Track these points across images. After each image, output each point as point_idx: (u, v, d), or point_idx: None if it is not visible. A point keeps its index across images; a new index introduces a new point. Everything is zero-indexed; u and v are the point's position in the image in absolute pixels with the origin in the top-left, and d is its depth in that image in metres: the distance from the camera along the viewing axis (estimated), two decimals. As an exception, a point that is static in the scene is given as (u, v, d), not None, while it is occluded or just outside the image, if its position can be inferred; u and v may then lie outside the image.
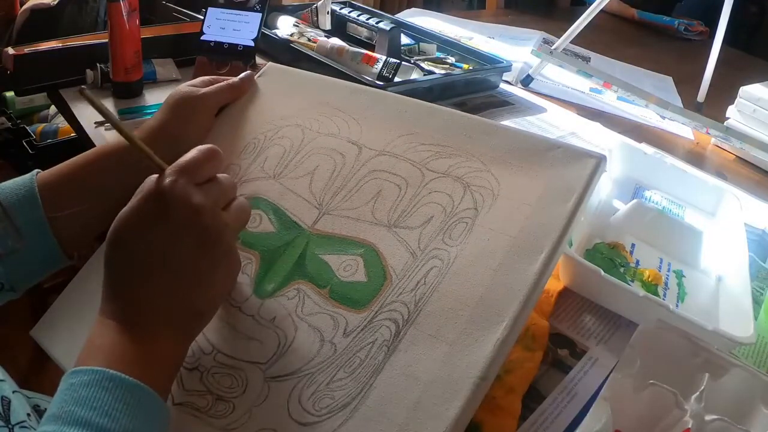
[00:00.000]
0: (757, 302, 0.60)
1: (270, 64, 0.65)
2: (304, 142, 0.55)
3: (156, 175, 0.41)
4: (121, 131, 0.40)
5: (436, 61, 1.07)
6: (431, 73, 1.00)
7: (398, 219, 0.47)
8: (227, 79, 0.60)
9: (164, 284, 0.39)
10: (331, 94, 0.58)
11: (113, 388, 0.34)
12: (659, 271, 0.64)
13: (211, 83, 0.60)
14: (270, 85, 0.62)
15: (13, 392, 0.36)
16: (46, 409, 0.45)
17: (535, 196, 0.45)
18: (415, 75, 0.95)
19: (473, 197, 0.47)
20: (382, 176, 0.50)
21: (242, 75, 0.61)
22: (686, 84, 1.27)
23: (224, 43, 0.88)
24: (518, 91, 1.10)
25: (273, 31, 1.09)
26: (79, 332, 0.50)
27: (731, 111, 1.03)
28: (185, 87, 0.58)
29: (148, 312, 0.39)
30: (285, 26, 1.12)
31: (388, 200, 0.49)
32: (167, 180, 0.40)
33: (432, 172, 0.49)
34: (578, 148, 0.47)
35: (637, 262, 0.65)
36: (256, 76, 0.63)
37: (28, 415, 0.36)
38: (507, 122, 0.95)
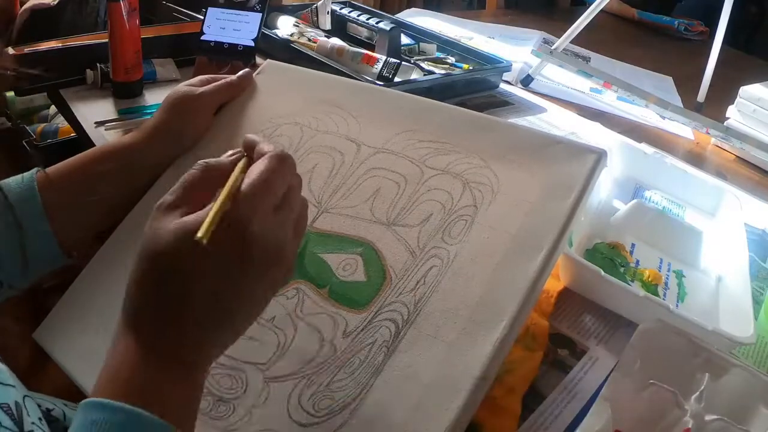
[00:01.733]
0: (757, 302, 0.60)
1: (268, 61, 0.65)
2: (302, 140, 0.55)
3: (237, 203, 0.34)
4: None
5: (436, 61, 1.07)
6: (431, 73, 1.00)
7: (397, 217, 0.47)
8: (226, 78, 0.60)
9: (227, 331, 0.35)
10: (330, 91, 0.58)
11: None
12: (659, 271, 0.64)
13: (209, 82, 0.60)
14: (268, 82, 0.62)
15: (24, 397, 0.35)
16: (47, 409, 0.45)
17: (534, 193, 0.45)
18: (415, 75, 0.95)
19: (472, 194, 0.46)
20: (380, 174, 0.50)
21: (240, 73, 0.61)
22: (686, 84, 1.27)
23: (224, 43, 0.88)
24: (518, 91, 1.10)
25: (273, 31, 1.09)
26: (81, 335, 0.50)
27: (731, 111, 1.03)
28: (183, 86, 0.58)
29: (202, 356, 0.35)
30: (285, 26, 1.12)
31: (387, 198, 0.49)
32: (248, 213, 0.34)
33: (431, 169, 0.49)
34: (579, 144, 0.46)
35: (637, 262, 0.65)
36: (254, 74, 0.63)
37: (40, 419, 0.36)
38: (507, 122, 0.95)
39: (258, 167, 0.35)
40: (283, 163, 0.36)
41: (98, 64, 0.85)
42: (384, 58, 0.93)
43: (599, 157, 0.45)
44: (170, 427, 0.31)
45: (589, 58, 1.38)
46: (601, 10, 1.13)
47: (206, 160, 0.37)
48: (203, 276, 0.33)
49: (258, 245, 0.34)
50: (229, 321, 0.35)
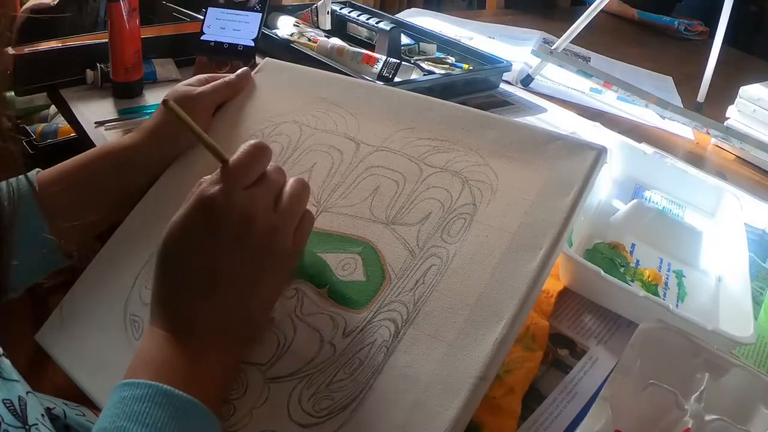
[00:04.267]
0: (757, 302, 0.60)
1: (267, 59, 0.64)
2: (301, 138, 0.55)
3: (204, 182, 0.40)
4: (192, 129, 0.42)
5: (436, 61, 1.07)
6: (431, 73, 1.00)
7: (396, 216, 0.47)
8: (224, 77, 0.60)
9: (216, 298, 0.39)
10: (328, 89, 0.58)
11: (166, 405, 0.34)
12: (659, 271, 0.64)
13: (207, 81, 0.60)
14: (267, 81, 0.62)
15: (27, 393, 0.36)
16: (47, 408, 0.45)
17: (534, 191, 0.44)
18: (415, 75, 0.95)
19: (471, 192, 0.46)
20: (379, 172, 0.50)
21: (239, 72, 0.61)
22: (686, 84, 1.27)
23: (224, 43, 0.88)
24: (518, 91, 1.10)
25: (273, 31, 1.09)
26: (82, 337, 0.50)
27: (731, 111, 1.03)
28: (182, 87, 0.58)
29: (201, 326, 0.39)
30: (285, 26, 1.12)
31: (386, 197, 0.48)
32: (215, 189, 0.39)
33: (430, 167, 0.49)
34: (578, 140, 0.46)
35: (637, 262, 0.65)
36: (253, 73, 0.63)
37: (42, 415, 0.36)
38: (507, 122, 0.95)
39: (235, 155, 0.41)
40: (257, 153, 0.41)
41: (98, 64, 0.85)
42: (384, 58, 0.93)
43: (599, 153, 0.45)
44: (188, 398, 0.35)
45: (589, 58, 1.38)
46: (601, 10, 1.13)
47: None
48: (183, 249, 0.39)
49: (224, 213, 0.39)
50: (212, 284, 0.39)
